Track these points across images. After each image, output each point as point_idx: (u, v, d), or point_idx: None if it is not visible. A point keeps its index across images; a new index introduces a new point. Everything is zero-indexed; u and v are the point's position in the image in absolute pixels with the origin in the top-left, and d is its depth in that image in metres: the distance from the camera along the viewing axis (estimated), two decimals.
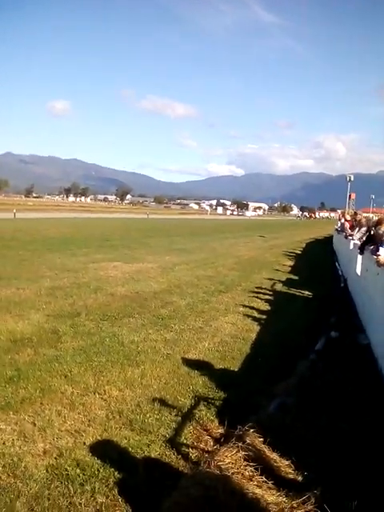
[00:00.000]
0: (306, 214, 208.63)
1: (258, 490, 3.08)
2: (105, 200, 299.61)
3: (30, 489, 3.23)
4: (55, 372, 5.35)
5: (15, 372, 5.27)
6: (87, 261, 15.03)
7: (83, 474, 3.40)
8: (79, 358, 5.88)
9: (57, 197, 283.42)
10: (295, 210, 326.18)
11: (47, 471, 3.45)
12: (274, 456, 3.56)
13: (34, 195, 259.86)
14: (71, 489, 3.24)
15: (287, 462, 3.51)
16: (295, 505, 2.95)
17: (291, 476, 3.40)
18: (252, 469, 3.27)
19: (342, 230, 20.28)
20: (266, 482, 3.18)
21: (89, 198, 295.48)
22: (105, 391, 4.91)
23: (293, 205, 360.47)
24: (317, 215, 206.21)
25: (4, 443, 3.80)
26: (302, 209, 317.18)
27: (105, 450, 3.73)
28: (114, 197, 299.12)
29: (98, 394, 4.85)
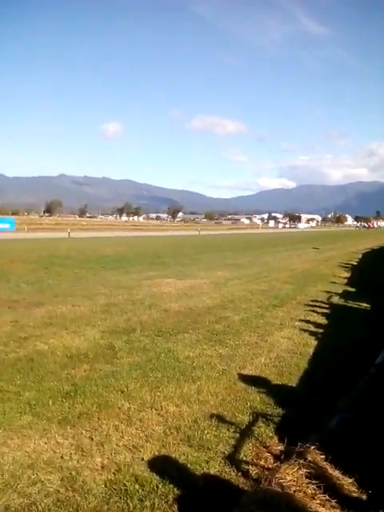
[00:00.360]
0: (364, 224, 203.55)
1: (321, 509, 2.96)
2: (157, 218, 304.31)
3: (89, 503, 3.23)
4: (112, 387, 5.39)
5: (72, 387, 5.35)
6: (141, 278, 15.20)
7: (142, 490, 3.38)
8: (135, 373, 5.90)
9: (110, 216, 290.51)
10: (350, 221, 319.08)
11: (106, 486, 3.44)
12: (336, 473, 3.42)
13: (88, 215, 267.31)
14: (130, 504, 3.22)
15: (350, 480, 3.36)
16: None
17: (355, 494, 3.25)
18: (314, 487, 3.15)
19: None
20: (329, 500, 3.05)
21: (141, 217, 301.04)
22: (161, 407, 4.89)
23: (347, 215, 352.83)
24: (374, 224, 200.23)
25: (62, 457, 3.84)
26: (356, 219, 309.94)
27: (163, 466, 3.69)
28: (166, 215, 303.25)
29: (155, 409, 4.83)
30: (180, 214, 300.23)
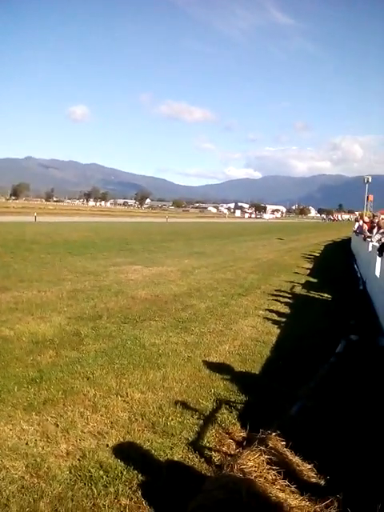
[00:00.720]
0: (330, 216, 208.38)
1: (281, 494, 3.06)
2: (124, 204, 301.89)
3: (54, 489, 3.25)
4: (77, 374, 5.39)
5: (37, 373, 5.33)
6: (108, 264, 15.13)
7: (107, 476, 3.42)
8: (101, 360, 5.92)
9: (77, 201, 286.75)
10: (313, 212, 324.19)
11: (70, 472, 3.47)
12: (296, 460, 3.54)
13: (55, 199, 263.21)
14: (95, 490, 3.26)
15: (310, 466, 3.48)
16: (318, 509, 2.93)
17: (314, 480, 3.37)
18: (275, 472, 3.25)
19: (361, 232, 20.10)
20: (288, 485, 3.15)
21: (109, 203, 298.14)
22: (127, 393, 4.93)
23: (311, 207, 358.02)
24: (339, 217, 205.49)
25: (27, 443, 3.84)
26: (319, 211, 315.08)
27: (128, 453, 3.74)
28: (134, 201, 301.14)
29: (120, 396, 4.87)
30: (148, 201, 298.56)
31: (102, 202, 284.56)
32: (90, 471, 3.48)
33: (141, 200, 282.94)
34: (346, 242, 33.02)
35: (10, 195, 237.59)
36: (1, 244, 19.81)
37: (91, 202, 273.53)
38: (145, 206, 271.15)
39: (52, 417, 4.32)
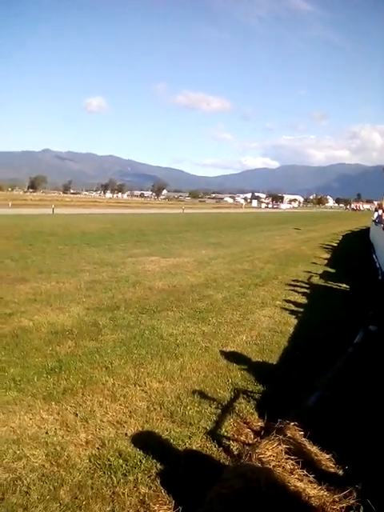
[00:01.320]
0: (352, 206, 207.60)
1: (299, 484, 3.06)
2: (141, 196, 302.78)
3: (74, 478, 3.30)
4: (96, 364, 5.45)
5: (56, 363, 5.40)
6: (125, 255, 15.20)
7: (126, 465, 3.46)
8: (119, 350, 5.97)
9: (94, 193, 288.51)
10: (331, 202, 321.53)
11: (90, 461, 3.51)
12: (314, 449, 3.54)
13: (72, 191, 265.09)
14: (114, 479, 3.30)
15: (328, 456, 3.48)
16: (337, 499, 2.93)
17: (332, 470, 3.37)
18: (293, 462, 3.25)
19: (380, 221, 19.84)
20: (306, 475, 3.15)
21: (125, 194, 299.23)
22: (145, 383, 4.97)
23: (329, 196, 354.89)
24: (361, 207, 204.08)
25: (47, 433, 3.89)
26: (338, 200, 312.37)
27: (147, 442, 3.77)
28: (150, 192, 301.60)
29: (139, 385, 4.91)
30: (164, 192, 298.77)
31: (119, 194, 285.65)
32: (109, 460, 3.52)
33: (157, 191, 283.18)
34: (365, 232, 32.66)
35: (28, 188, 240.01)
36: (19, 236, 20.02)
37: (108, 194, 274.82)
38: (161, 197, 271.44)
39: (71, 406, 4.37)
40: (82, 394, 4.63)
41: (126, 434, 3.90)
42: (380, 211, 21.62)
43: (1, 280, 10.20)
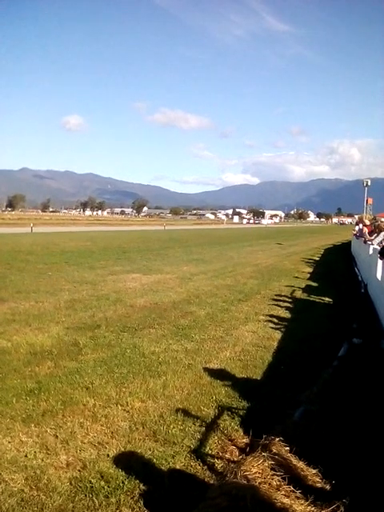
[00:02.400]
0: (342, 220, 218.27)
1: (286, 500, 3.00)
2: (121, 213, 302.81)
3: (54, 502, 3.19)
4: (76, 384, 5.33)
5: (36, 384, 5.27)
6: (105, 273, 15.07)
7: (108, 486, 3.36)
8: (100, 369, 5.86)
9: (73, 211, 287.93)
10: (312, 217, 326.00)
11: (71, 484, 3.41)
12: (300, 465, 3.48)
13: (51, 209, 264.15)
14: (96, 501, 3.20)
15: (314, 471, 3.42)
16: None
17: (319, 485, 3.31)
18: (279, 478, 3.19)
19: (361, 235, 20.06)
20: (293, 491, 3.09)
21: (105, 212, 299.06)
22: (127, 403, 4.87)
23: (309, 211, 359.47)
24: (346, 221, 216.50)
25: (26, 456, 3.78)
26: (319, 215, 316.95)
27: (129, 462, 3.68)
28: (131, 210, 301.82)
29: (121, 405, 4.81)
30: (145, 209, 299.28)
31: (99, 212, 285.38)
32: (90, 482, 3.42)
33: (138, 208, 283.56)
34: (346, 246, 33.01)
35: (6, 207, 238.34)
36: None
37: (88, 212, 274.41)
38: (142, 214, 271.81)
39: (51, 428, 4.26)
40: (63, 416, 4.52)
41: (108, 455, 3.80)
42: (361, 225, 21.87)
43: None
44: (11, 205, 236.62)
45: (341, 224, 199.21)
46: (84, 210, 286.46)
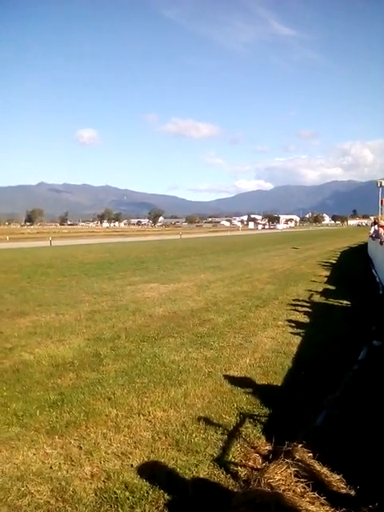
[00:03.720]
0: (365, 222, 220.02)
1: (311, 507, 2.99)
2: (138, 224, 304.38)
3: None
4: (98, 395, 5.38)
5: (58, 396, 5.34)
6: (124, 284, 15.17)
7: (132, 497, 3.38)
8: (121, 380, 5.90)
9: (91, 223, 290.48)
10: (327, 220, 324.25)
11: (96, 495, 3.44)
12: (324, 471, 3.47)
13: (69, 223, 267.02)
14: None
15: (338, 477, 3.40)
16: None
17: (344, 491, 3.30)
18: (303, 485, 3.19)
19: (377, 236, 19.86)
20: (318, 497, 3.08)
21: (122, 223, 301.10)
22: (149, 412, 4.90)
23: (324, 214, 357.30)
24: (363, 223, 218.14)
25: (51, 467, 3.83)
26: (333, 218, 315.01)
27: (153, 472, 3.70)
28: (147, 220, 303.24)
29: (143, 415, 4.84)
30: (161, 219, 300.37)
31: (116, 223, 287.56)
32: (115, 493, 3.45)
33: (154, 218, 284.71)
34: (363, 248, 32.70)
35: (25, 221, 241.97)
36: (17, 270, 20.05)
37: (105, 224, 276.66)
38: (158, 224, 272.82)
39: (75, 439, 4.30)
40: (86, 427, 4.56)
41: (132, 466, 3.83)
42: (376, 226, 21.64)
43: (0, 314, 10.16)
44: (30, 219, 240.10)
45: (359, 226, 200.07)
46: (101, 222, 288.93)
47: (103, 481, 3.62)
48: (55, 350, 7.28)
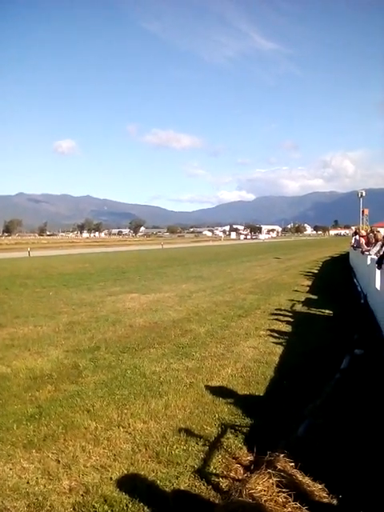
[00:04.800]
0: (345, 232, 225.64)
1: None
2: (119, 233, 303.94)
3: None
4: (77, 407, 5.28)
5: (36, 409, 5.23)
6: (104, 294, 15.06)
7: (112, 511, 3.31)
8: (101, 391, 5.81)
9: (71, 234, 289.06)
10: (309, 230, 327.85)
11: (74, 509, 3.36)
12: (306, 480, 3.44)
13: (48, 233, 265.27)
14: None
15: (321, 486, 3.38)
16: None
17: (326, 500, 3.27)
18: (285, 495, 3.15)
19: (358, 246, 20.08)
20: (300, 507, 3.06)
21: (103, 233, 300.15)
22: (129, 424, 4.82)
23: (306, 225, 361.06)
24: (341, 233, 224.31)
25: (28, 482, 3.73)
26: (315, 228, 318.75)
27: (132, 485, 3.63)
28: (128, 230, 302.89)
29: (122, 427, 4.76)
30: (142, 229, 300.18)
31: (96, 233, 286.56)
32: (94, 507, 3.37)
33: (135, 228, 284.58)
34: (344, 257, 33.02)
35: (3, 232, 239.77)
36: None
37: (85, 234, 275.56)
38: (139, 234, 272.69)
39: (53, 453, 4.21)
40: (64, 440, 4.46)
41: (111, 479, 3.75)
42: (357, 236, 21.90)
43: None
44: (8, 230, 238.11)
45: (337, 235, 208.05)
46: (81, 233, 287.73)
47: (82, 495, 3.54)
48: (33, 363, 7.15)
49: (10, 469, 3.94)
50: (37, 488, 3.64)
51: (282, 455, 3.65)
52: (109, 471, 3.87)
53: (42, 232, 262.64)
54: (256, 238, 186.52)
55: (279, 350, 7.86)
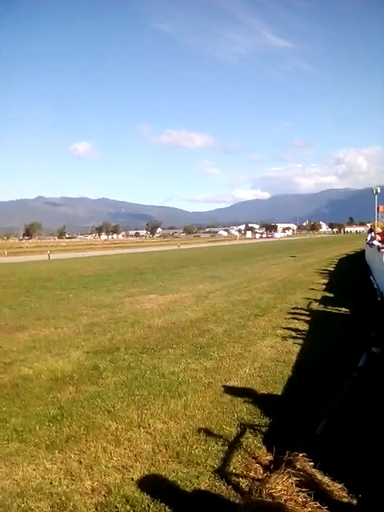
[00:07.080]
0: (361, 229, 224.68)
1: None
2: (136, 235, 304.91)
3: None
4: (98, 408, 5.36)
5: (58, 410, 5.32)
6: (123, 295, 15.18)
7: (133, 511, 3.36)
8: (121, 392, 5.88)
9: (89, 236, 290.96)
10: (324, 228, 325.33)
11: (96, 509, 3.43)
12: (325, 480, 3.45)
13: (67, 236, 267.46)
14: None
15: (340, 486, 3.39)
16: None
17: (345, 500, 3.29)
18: (305, 495, 3.18)
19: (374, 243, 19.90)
20: (320, 507, 3.07)
21: (120, 235, 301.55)
22: (149, 425, 4.88)
23: (322, 222, 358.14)
24: (357, 230, 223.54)
25: (51, 483, 3.81)
26: (331, 225, 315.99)
27: (154, 485, 3.68)
28: (145, 231, 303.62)
29: (143, 427, 4.82)
30: (159, 230, 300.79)
31: (114, 235, 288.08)
32: (116, 507, 3.43)
33: (152, 229, 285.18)
34: (360, 255, 32.71)
35: (23, 235, 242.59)
36: (16, 284, 20.05)
37: (103, 236, 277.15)
38: (156, 235, 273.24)
39: (75, 454, 4.28)
40: (86, 441, 4.54)
41: (132, 479, 3.81)
42: (373, 233, 21.69)
43: None
44: (28, 233, 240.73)
45: (347, 233, 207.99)
46: (99, 235, 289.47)
47: (104, 495, 3.60)
48: (54, 364, 7.26)
49: (34, 469, 4.03)
50: (60, 488, 3.71)
51: (301, 455, 3.67)
52: (130, 472, 3.93)
53: (61, 235, 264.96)
54: (272, 237, 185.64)
55: (297, 348, 7.86)
